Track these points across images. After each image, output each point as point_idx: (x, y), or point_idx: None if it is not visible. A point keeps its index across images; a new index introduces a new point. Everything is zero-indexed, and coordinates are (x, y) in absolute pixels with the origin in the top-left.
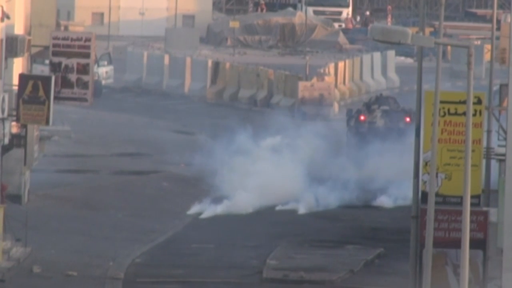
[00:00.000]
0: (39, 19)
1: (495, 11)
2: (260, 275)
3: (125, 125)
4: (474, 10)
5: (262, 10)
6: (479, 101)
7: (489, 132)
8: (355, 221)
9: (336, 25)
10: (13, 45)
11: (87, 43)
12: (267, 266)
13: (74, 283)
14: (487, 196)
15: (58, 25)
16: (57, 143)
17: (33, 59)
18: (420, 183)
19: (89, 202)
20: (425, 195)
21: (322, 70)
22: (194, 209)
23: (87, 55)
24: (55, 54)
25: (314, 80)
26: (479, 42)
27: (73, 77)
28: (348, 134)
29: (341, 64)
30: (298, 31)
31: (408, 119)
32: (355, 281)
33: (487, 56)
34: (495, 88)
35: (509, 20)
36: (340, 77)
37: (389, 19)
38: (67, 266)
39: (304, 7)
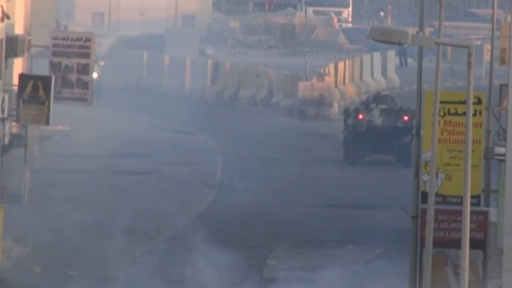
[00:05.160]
0: (39, 19)
1: (495, 11)
2: (260, 275)
3: (125, 125)
4: (474, 10)
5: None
6: (479, 101)
7: (489, 132)
8: (355, 221)
9: (336, 25)
10: (13, 45)
11: (87, 43)
12: (267, 266)
13: (74, 283)
14: (487, 196)
15: (58, 25)
16: (57, 143)
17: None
18: (420, 183)
19: (89, 202)
20: (425, 195)
21: (322, 70)
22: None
23: (87, 55)
24: (55, 54)
25: (314, 80)
26: (479, 42)
27: (73, 77)
28: (345, 132)
29: (341, 64)
30: (298, 31)
31: (406, 118)
32: (355, 281)
33: (487, 56)
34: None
35: (509, 20)
36: (340, 77)
37: (389, 19)
38: (67, 266)
39: (304, 7)
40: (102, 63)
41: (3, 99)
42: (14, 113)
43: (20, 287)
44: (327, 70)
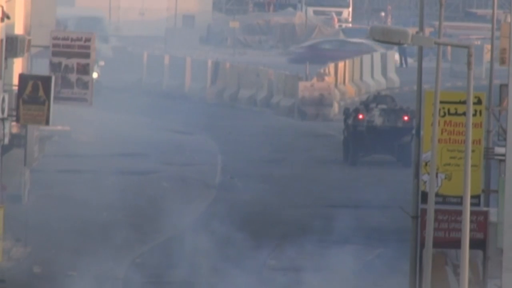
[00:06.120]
0: (39, 19)
1: (495, 11)
2: (260, 274)
3: (125, 125)
4: (474, 10)
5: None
6: (479, 101)
7: (489, 132)
8: (355, 221)
9: (336, 25)
10: (13, 45)
11: (87, 43)
12: (267, 266)
13: (74, 283)
14: (487, 196)
15: (58, 25)
16: (57, 143)
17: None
18: (420, 183)
19: (89, 202)
20: (425, 195)
21: (322, 70)
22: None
23: (87, 55)
24: (55, 54)
25: (314, 80)
26: (479, 42)
27: (73, 77)
28: (345, 132)
29: (341, 64)
30: (298, 31)
31: (406, 118)
32: (355, 281)
33: (487, 56)
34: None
35: (509, 20)
36: (340, 77)
37: (389, 19)
38: (67, 266)
39: (304, 7)
40: (102, 63)
41: (3, 99)
42: (14, 113)
43: (20, 287)
44: (327, 70)
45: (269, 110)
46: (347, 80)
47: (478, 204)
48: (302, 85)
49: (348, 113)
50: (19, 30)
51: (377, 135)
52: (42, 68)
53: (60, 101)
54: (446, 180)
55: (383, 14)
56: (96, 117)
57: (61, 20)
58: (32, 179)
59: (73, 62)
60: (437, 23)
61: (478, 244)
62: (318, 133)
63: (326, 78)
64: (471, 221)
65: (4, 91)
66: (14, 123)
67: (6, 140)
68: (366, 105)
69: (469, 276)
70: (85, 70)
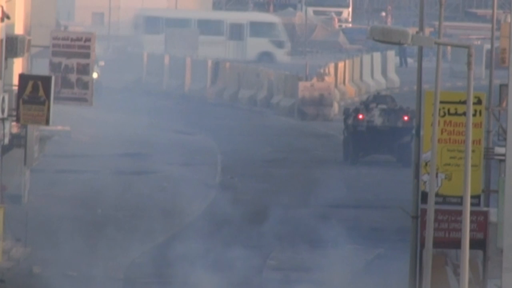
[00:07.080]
0: (39, 19)
1: (495, 11)
2: (260, 275)
3: (125, 125)
4: (474, 10)
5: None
6: (479, 101)
7: (489, 132)
8: (355, 221)
9: (336, 25)
10: (13, 45)
11: (87, 43)
12: (267, 266)
13: (74, 283)
14: (487, 196)
15: (58, 25)
16: (57, 143)
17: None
18: (420, 183)
19: (89, 202)
20: (425, 195)
21: (322, 70)
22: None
23: (87, 55)
24: (55, 54)
25: (314, 80)
26: (479, 42)
27: (73, 77)
28: (345, 132)
29: (341, 64)
30: (298, 31)
31: (406, 118)
32: (355, 281)
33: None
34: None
35: (509, 20)
36: (340, 77)
37: (389, 19)
38: (67, 266)
39: (304, 7)
40: (102, 63)
41: (3, 99)
42: (14, 113)
43: (20, 287)
44: (327, 70)
45: (269, 110)
46: (347, 80)
47: (478, 204)
48: (302, 85)
49: (348, 113)
50: (19, 30)
51: (377, 135)
52: (42, 68)
53: (60, 101)
54: (446, 180)
55: (383, 14)
56: (96, 117)
57: (235, 25)
58: (32, 179)
59: (73, 62)
60: (437, 23)
61: (478, 244)
62: (318, 133)
63: (326, 78)
64: (471, 221)
65: (4, 91)
66: (14, 123)
67: (6, 140)
68: (366, 105)
69: (469, 276)
70: (85, 70)
